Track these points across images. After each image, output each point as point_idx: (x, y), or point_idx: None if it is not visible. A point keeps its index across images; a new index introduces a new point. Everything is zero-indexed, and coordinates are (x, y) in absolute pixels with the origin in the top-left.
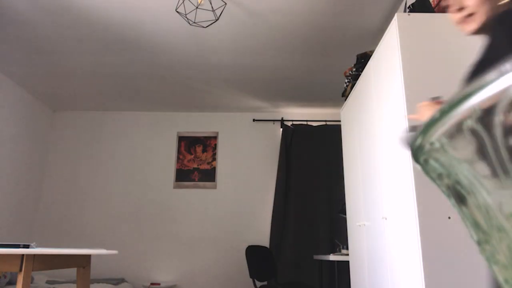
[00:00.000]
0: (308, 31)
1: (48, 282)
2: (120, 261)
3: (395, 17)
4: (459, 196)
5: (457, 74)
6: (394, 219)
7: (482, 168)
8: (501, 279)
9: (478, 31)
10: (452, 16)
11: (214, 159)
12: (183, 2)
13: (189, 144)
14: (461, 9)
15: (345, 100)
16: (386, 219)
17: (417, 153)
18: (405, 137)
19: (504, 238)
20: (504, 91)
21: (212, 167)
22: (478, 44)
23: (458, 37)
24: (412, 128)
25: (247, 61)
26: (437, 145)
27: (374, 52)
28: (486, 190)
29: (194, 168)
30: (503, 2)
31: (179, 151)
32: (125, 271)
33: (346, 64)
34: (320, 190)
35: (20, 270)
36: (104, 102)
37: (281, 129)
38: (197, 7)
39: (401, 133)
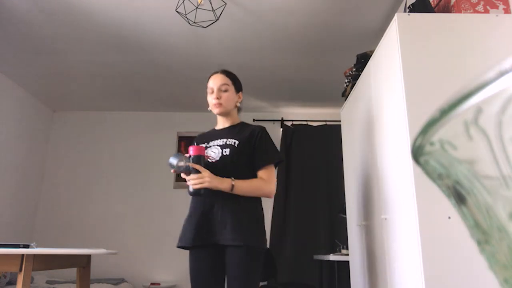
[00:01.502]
0: (308, 31)
1: (48, 282)
2: (120, 261)
3: (395, 17)
4: (459, 196)
5: (457, 74)
6: (394, 219)
7: (482, 168)
8: (501, 279)
9: (221, 114)
10: (209, 99)
11: None
12: (183, 2)
13: (189, 144)
14: (218, 98)
15: (345, 100)
16: (386, 219)
17: (417, 153)
18: (170, 162)
19: (504, 238)
20: (504, 91)
21: None
22: (477, 45)
23: (458, 37)
24: (177, 156)
25: (247, 61)
26: (437, 145)
27: (374, 52)
28: (486, 190)
29: None
30: (238, 103)
31: (179, 151)
32: (125, 271)
33: (346, 64)
34: (320, 190)
35: (20, 270)
36: (104, 102)
37: (281, 129)
38: (197, 7)
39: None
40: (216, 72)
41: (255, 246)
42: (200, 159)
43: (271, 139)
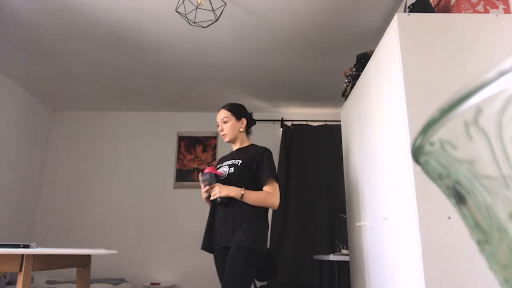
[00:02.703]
0: (308, 31)
1: (48, 282)
2: (120, 261)
3: (395, 17)
4: (459, 196)
5: (457, 74)
6: (394, 219)
7: (482, 168)
8: (501, 279)
9: (229, 142)
10: (220, 129)
11: (214, 159)
12: (183, 2)
13: (189, 144)
14: (222, 130)
15: (345, 100)
16: (386, 219)
17: (417, 153)
18: (201, 176)
19: (504, 238)
20: (504, 91)
21: None
22: (477, 45)
23: (458, 37)
24: (203, 175)
25: (247, 61)
26: (437, 145)
27: (374, 52)
28: (486, 190)
29: (194, 168)
30: (241, 129)
31: (179, 151)
32: (125, 271)
33: (346, 64)
34: (320, 190)
35: (20, 270)
36: (104, 102)
37: (281, 129)
38: (197, 7)
39: (201, 175)
40: (220, 109)
41: (246, 246)
42: (213, 176)
43: (272, 159)
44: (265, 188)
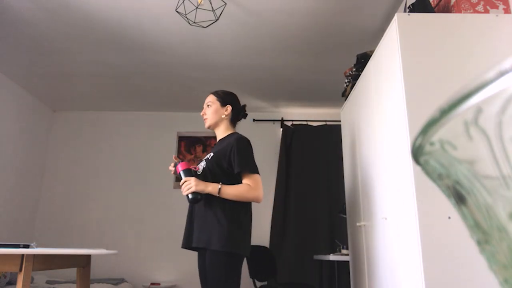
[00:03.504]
0: (308, 31)
1: (48, 282)
2: (120, 261)
3: (395, 17)
4: (459, 196)
5: (457, 74)
6: (394, 219)
7: (482, 168)
8: (501, 279)
9: (209, 127)
10: (202, 113)
11: None
12: (183, 2)
13: (189, 144)
14: (203, 114)
15: (345, 100)
16: (386, 219)
17: (417, 153)
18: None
19: (504, 238)
20: (504, 91)
21: None
22: (477, 45)
23: (458, 37)
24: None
25: (247, 61)
26: (437, 145)
27: (374, 52)
28: (486, 190)
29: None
30: (224, 116)
31: (179, 151)
32: (125, 271)
33: (346, 64)
34: (320, 190)
35: (20, 270)
36: (104, 102)
37: (281, 129)
38: (197, 7)
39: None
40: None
41: (222, 251)
42: (188, 171)
43: (246, 149)
44: (245, 181)
